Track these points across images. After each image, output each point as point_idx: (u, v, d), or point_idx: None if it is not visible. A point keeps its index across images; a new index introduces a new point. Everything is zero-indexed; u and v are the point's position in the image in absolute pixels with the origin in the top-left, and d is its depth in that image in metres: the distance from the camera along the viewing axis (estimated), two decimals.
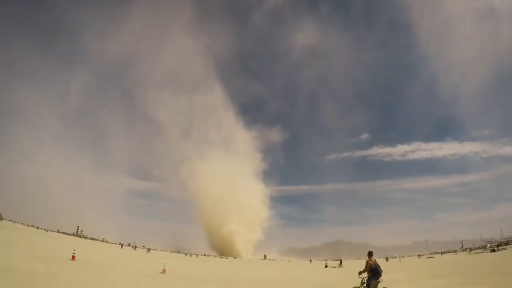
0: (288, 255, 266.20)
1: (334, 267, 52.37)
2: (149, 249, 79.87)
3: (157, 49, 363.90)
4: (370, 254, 12.91)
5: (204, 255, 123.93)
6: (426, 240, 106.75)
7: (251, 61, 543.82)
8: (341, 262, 56.71)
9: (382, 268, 12.52)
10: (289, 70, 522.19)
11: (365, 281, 12.50)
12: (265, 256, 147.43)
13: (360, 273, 12.74)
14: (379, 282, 12.27)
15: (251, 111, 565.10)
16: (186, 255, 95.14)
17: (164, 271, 25.68)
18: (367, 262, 12.46)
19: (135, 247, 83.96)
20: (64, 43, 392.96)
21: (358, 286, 12.95)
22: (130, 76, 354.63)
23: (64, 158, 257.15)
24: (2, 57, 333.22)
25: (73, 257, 23.61)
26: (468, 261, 42.09)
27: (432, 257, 78.27)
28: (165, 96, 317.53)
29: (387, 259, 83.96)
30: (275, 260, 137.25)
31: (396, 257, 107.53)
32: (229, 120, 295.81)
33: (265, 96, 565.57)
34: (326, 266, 55.20)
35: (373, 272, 12.23)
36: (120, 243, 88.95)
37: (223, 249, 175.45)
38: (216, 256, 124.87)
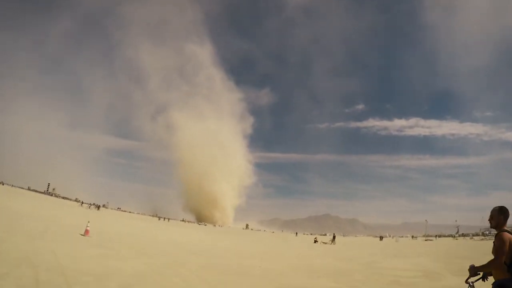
0: (271, 226, 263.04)
1: (325, 243, 44.55)
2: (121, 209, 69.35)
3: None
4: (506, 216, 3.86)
5: (183, 220, 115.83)
6: (426, 221, 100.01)
7: (242, 17, 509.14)
8: (334, 238, 47.77)
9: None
10: (281, 27, 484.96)
11: None
12: (247, 226, 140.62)
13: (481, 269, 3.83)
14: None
15: (239, 70, 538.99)
16: (160, 219, 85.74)
17: (86, 233, 17.22)
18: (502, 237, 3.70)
19: (98, 206, 73.81)
20: None
21: None
22: (113, 22, 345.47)
23: (38, 109, 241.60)
24: None
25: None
26: (480, 247, 32.70)
27: (431, 240, 70.41)
28: (149, 44, 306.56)
29: (381, 238, 76.86)
30: (258, 230, 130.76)
31: (388, 237, 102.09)
32: (215, 77, 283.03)
33: (254, 54, 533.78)
34: (315, 241, 47.08)
35: None
36: (80, 201, 79.05)
37: (201, 215, 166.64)
38: (193, 222, 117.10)
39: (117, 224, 33.86)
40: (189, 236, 35.87)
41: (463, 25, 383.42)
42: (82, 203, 76.25)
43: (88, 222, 18.26)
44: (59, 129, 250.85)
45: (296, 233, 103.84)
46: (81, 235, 17.08)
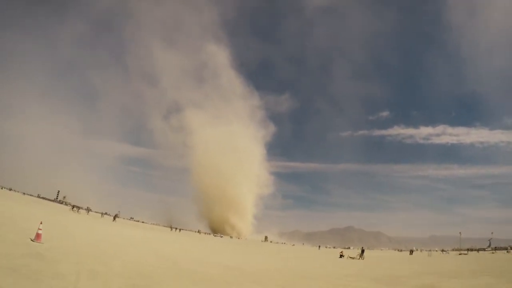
0: (291, 239, 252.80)
1: (353, 258, 38.88)
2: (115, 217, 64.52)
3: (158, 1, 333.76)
4: None
5: (198, 232, 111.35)
6: (459, 233, 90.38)
7: (259, 19, 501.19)
8: (362, 252, 41.45)
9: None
10: (300, 30, 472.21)
11: None
12: (266, 238, 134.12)
13: None
14: None
15: (258, 74, 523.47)
16: (172, 229, 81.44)
17: (37, 238, 13.07)
18: None
19: (114, 216, 69.66)
20: None
21: None
22: (126, 23, 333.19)
23: (50, 116, 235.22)
24: None
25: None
26: None
27: (466, 254, 62.00)
28: (164, 47, 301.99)
29: (411, 252, 69.18)
30: (277, 243, 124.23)
31: (416, 250, 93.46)
32: (232, 80, 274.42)
33: (273, 58, 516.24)
34: (341, 256, 40.71)
35: None
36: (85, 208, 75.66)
37: (217, 225, 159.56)
38: (209, 234, 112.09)
39: (101, 232, 29.18)
40: (195, 249, 30.81)
41: (490, 25, 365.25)
42: (89, 210, 72.74)
43: (41, 223, 13.63)
44: (71, 135, 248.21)
45: (319, 246, 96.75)
46: (31, 240, 12.82)
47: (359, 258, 38.72)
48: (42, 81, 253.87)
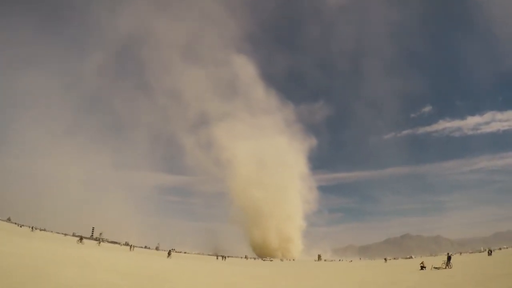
0: (345, 254, 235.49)
1: (438, 268, 31.37)
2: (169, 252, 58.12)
3: (177, 17, 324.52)
4: None
5: (245, 257, 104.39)
6: None
7: (280, 29, 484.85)
8: (449, 259, 33.05)
9: None
10: (322, 33, 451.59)
11: None
12: (319, 257, 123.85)
13: None
14: None
15: (287, 85, 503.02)
16: (218, 257, 75.63)
17: None
18: None
19: (169, 252, 63.12)
20: (70, 19, 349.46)
21: None
22: (147, 48, 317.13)
23: (79, 152, 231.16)
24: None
25: None
26: None
27: None
28: (187, 67, 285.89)
29: (489, 252, 57.51)
30: (332, 260, 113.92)
31: (484, 251, 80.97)
32: (261, 94, 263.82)
33: (300, 67, 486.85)
34: (422, 268, 32.88)
35: None
36: (128, 244, 72.06)
37: (264, 248, 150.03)
38: (256, 259, 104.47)
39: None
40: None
41: None
42: (131, 245, 68.12)
43: None
44: (102, 170, 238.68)
45: (385, 259, 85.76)
46: None
47: (445, 267, 31.13)
48: (67, 119, 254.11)
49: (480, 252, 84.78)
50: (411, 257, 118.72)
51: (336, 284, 22.99)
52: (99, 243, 62.92)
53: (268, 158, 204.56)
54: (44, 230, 79.52)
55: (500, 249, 79.76)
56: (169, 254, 54.20)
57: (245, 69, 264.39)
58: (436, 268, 32.01)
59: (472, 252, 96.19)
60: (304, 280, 26.87)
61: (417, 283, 19.69)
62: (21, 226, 73.80)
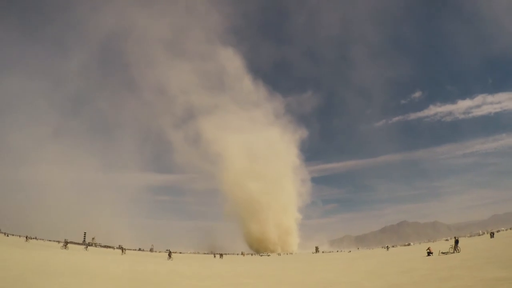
0: (343, 245, 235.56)
1: (446, 253, 29.86)
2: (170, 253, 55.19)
3: (161, 12, 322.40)
4: None
5: (242, 254, 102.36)
6: None
7: (265, 19, 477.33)
8: (456, 243, 31.34)
9: None
10: (307, 20, 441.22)
11: None
12: (316, 249, 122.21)
13: None
14: None
15: (274, 76, 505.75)
16: (215, 256, 73.55)
17: None
18: None
19: (169, 253, 61.09)
20: (52, 17, 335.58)
21: None
22: (130, 44, 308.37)
23: (65, 156, 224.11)
24: None
25: None
26: None
27: None
28: (173, 61, 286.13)
29: (492, 234, 56.27)
30: (330, 252, 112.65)
31: (482, 234, 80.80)
32: (249, 86, 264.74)
33: (286, 56, 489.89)
34: (429, 254, 31.17)
35: None
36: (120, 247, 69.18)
37: (261, 243, 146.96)
38: (253, 254, 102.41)
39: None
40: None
41: None
42: (123, 249, 65.44)
43: None
44: (91, 173, 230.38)
45: (387, 247, 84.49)
46: None
47: (453, 252, 29.47)
48: (52, 121, 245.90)
49: (479, 235, 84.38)
50: (409, 244, 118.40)
51: (346, 275, 20.89)
52: (86, 247, 59.76)
53: (259, 151, 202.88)
54: (35, 238, 76.05)
55: (498, 231, 79.37)
56: (169, 255, 51.85)
57: (232, 61, 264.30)
58: (443, 253, 30.19)
59: (470, 236, 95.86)
60: (313, 273, 24.75)
61: (432, 270, 17.53)
62: (7, 235, 70.34)
